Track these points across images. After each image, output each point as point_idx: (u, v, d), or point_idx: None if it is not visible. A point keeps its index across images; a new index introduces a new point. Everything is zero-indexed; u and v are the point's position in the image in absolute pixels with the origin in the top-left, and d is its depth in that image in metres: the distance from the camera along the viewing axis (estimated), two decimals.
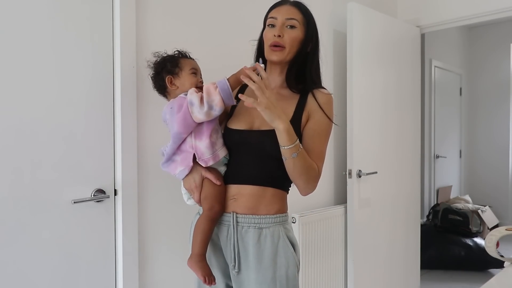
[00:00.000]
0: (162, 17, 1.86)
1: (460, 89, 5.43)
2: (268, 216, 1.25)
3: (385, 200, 2.84)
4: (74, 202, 1.59)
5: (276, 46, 1.27)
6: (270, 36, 1.29)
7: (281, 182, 1.29)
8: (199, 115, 1.20)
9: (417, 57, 3.15)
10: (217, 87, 1.20)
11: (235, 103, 1.25)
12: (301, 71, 1.33)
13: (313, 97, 1.30)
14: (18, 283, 1.48)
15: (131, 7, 1.73)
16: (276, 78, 1.35)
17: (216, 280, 1.28)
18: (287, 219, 1.33)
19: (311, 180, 1.25)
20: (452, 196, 5.05)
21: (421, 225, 3.59)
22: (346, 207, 2.64)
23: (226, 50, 2.06)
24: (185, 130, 1.23)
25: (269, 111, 1.13)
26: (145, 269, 1.82)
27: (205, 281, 1.23)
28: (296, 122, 1.26)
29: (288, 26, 1.28)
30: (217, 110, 1.20)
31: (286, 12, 1.29)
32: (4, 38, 1.45)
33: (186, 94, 1.26)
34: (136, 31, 1.75)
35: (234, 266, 1.25)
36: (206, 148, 1.25)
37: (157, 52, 1.40)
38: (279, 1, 1.36)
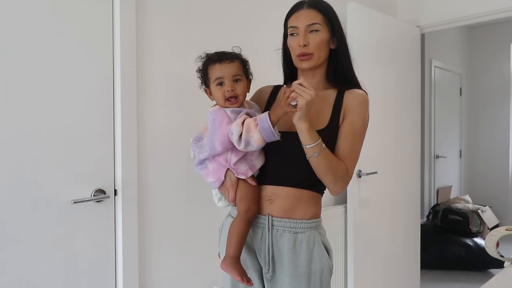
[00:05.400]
0: (162, 17, 1.86)
1: (460, 89, 5.43)
2: (303, 221, 1.24)
3: (385, 200, 2.84)
4: (74, 202, 1.59)
5: (304, 55, 1.25)
6: (295, 46, 1.26)
7: (317, 184, 1.26)
8: (237, 145, 1.18)
9: (417, 57, 3.15)
10: (257, 124, 1.15)
11: (278, 139, 1.17)
12: (336, 68, 1.32)
13: (348, 96, 1.29)
14: (17, 283, 1.49)
15: (131, 7, 1.73)
16: (310, 82, 1.28)
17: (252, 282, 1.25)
18: (321, 223, 1.31)
19: (339, 179, 1.21)
20: (452, 196, 5.05)
21: (421, 225, 3.58)
22: (346, 207, 2.64)
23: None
24: (222, 149, 1.21)
25: (304, 110, 1.12)
26: (145, 269, 1.82)
27: (242, 281, 1.19)
28: (334, 123, 1.26)
29: (311, 31, 1.25)
30: (255, 146, 1.17)
31: (305, 19, 1.25)
32: (5, 38, 1.45)
33: (231, 110, 1.22)
34: (136, 31, 1.75)
35: (268, 270, 1.23)
36: (240, 162, 1.23)
37: (205, 53, 1.31)
38: (295, 6, 1.30)
